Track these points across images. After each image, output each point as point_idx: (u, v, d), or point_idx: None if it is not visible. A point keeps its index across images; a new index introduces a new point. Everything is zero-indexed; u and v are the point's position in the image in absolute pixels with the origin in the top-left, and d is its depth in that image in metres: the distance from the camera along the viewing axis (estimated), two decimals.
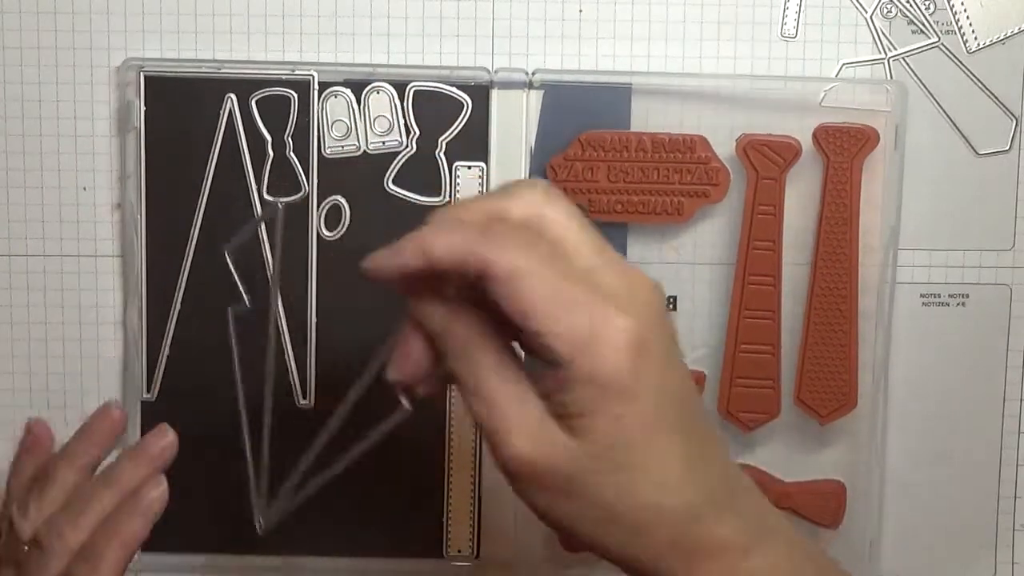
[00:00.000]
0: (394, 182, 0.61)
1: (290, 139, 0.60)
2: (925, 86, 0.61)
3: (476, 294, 0.40)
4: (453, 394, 0.61)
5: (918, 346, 0.62)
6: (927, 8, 0.61)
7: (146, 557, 0.62)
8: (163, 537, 0.62)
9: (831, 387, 0.60)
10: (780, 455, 0.62)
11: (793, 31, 0.61)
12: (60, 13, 0.60)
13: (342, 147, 0.60)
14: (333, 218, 0.61)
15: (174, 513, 0.62)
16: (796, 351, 0.61)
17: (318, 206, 0.61)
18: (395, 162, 0.60)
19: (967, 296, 0.62)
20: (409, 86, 0.60)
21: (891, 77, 0.61)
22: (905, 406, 0.62)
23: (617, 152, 0.60)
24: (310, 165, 0.60)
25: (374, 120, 0.60)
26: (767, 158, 0.60)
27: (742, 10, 0.60)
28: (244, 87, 0.60)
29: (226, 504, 0.62)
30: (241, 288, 0.49)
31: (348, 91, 0.60)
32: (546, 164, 0.60)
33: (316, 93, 0.60)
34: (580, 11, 0.61)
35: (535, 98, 0.60)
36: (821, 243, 0.60)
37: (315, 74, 0.60)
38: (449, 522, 0.62)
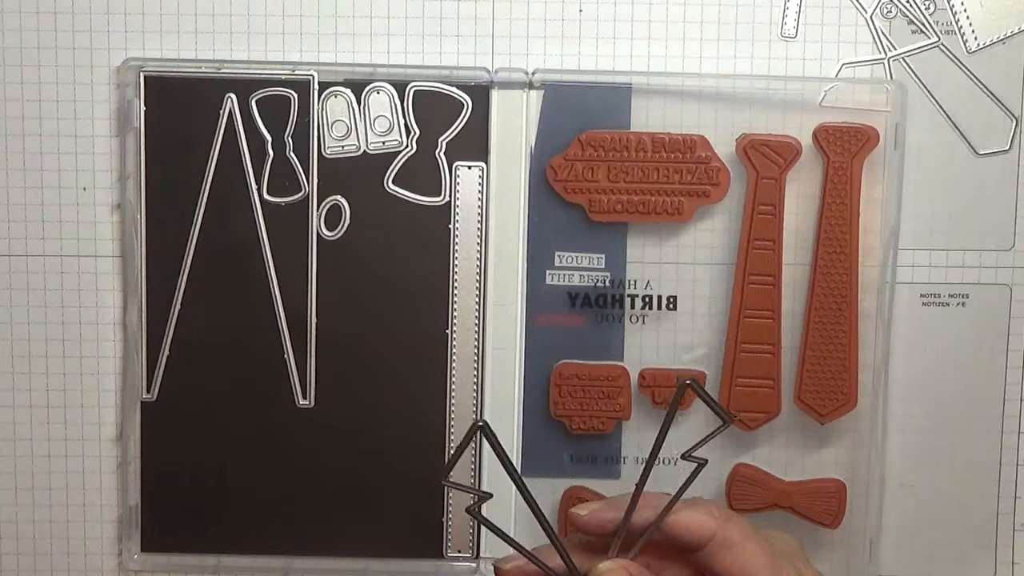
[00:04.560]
0: (394, 182, 0.61)
1: (290, 139, 0.60)
2: (925, 86, 0.61)
3: None
4: (453, 393, 0.61)
5: (918, 346, 0.62)
6: (927, 8, 0.61)
7: (146, 557, 0.62)
8: (164, 537, 0.63)
9: (831, 387, 0.61)
10: (780, 455, 0.62)
11: (793, 31, 0.61)
12: (60, 13, 0.60)
13: (342, 147, 0.60)
14: (333, 218, 0.61)
15: (175, 513, 0.63)
16: (796, 351, 0.61)
17: (318, 206, 0.61)
18: (395, 162, 0.60)
19: (967, 296, 0.62)
20: (409, 86, 0.60)
21: (891, 77, 0.61)
22: (905, 406, 0.62)
23: (617, 152, 0.60)
24: (310, 165, 0.60)
25: (374, 120, 0.60)
26: (767, 158, 0.60)
27: (742, 10, 0.60)
28: (244, 87, 0.60)
29: (227, 504, 0.62)
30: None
31: (348, 91, 0.60)
32: (546, 164, 0.60)
33: (316, 93, 0.60)
34: (580, 11, 0.61)
35: (535, 98, 0.60)
36: (821, 243, 0.60)
37: (315, 74, 0.60)
38: (449, 522, 0.62)
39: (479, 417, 0.47)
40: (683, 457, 0.48)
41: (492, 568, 0.51)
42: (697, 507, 0.48)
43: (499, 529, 0.48)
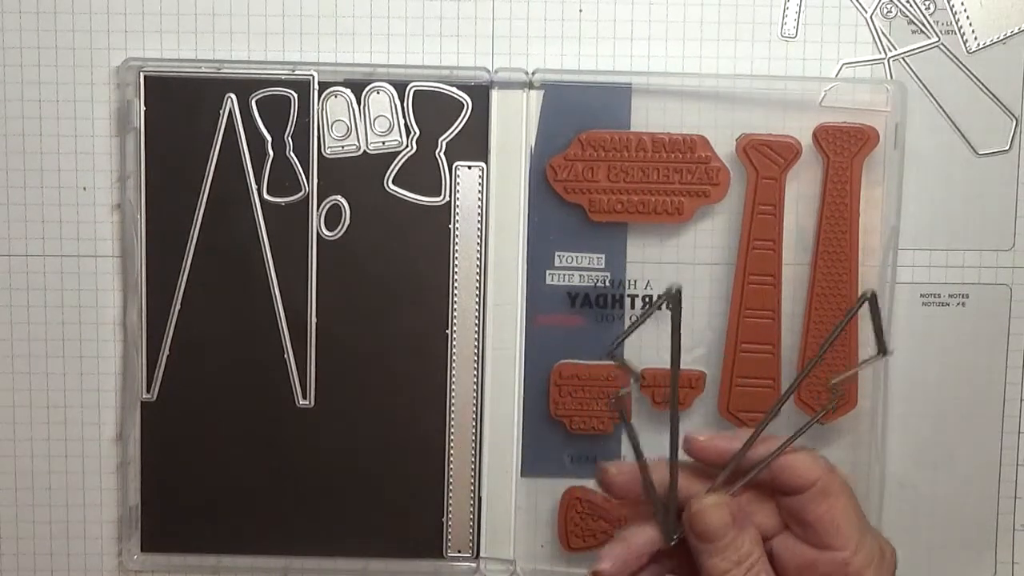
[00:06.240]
0: (394, 182, 0.61)
1: (290, 139, 0.60)
2: (925, 86, 0.61)
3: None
4: (453, 393, 0.61)
5: (918, 346, 0.62)
6: (927, 8, 0.61)
7: (146, 557, 0.62)
8: (164, 537, 0.63)
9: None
10: None
11: (793, 31, 0.61)
12: (60, 13, 0.60)
13: (342, 147, 0.60)
14: (333, 218, 0.61)
15: (175, 513, 0.63)
16: (796, 351, 0.61)
17: (318, 206, 0.61)
18: (395, 162, 0.60)
19: (967, 296, 0.62)
20: (409, 86, 0.60)
21: (891, 77, 0.61)
22: (905, 406, 0.62)
23: (617, 152, 0.60)
24: (310, 165, 0.60)
25: (374, 120, 0.60)
26: (767, 158, 0.60)
27: (742, 10, 0.60)
28: (244, 87, 0.60)
29: (227, 504, 0.62)
30: None
31: (348, 91, 0.60)
32: (546, 164, 0.60)
33: (316, 93, 0.60)
34: (580, 11, 0.61)
35: (535, 98, 0.60)
36: (821, 243, 0.60)
37: (315, 74, 0.60)
38: (449, 522, 0.62)
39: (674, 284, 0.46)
40: (828, 386, 0.48)
41: (599, 469, 0.50)
42: (805, 452, 0.48)
43: (632, 429, 0.47)
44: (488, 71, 0.60)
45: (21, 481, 0.63)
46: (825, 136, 0.59)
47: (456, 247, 0.61)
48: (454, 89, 0.60)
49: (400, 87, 0.60)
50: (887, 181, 0.60)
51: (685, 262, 0.61)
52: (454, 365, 0.61)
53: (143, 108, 0.60)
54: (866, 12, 0.61)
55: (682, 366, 0.62)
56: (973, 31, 0.61)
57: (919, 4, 0.61)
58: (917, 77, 0.61)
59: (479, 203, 0.61)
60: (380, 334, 0.61)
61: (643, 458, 0.48)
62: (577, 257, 0.61)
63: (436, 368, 0.61)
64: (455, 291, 0.61)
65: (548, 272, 0.61)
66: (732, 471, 0.48)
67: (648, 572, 0.49)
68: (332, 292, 0.61)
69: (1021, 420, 0.62)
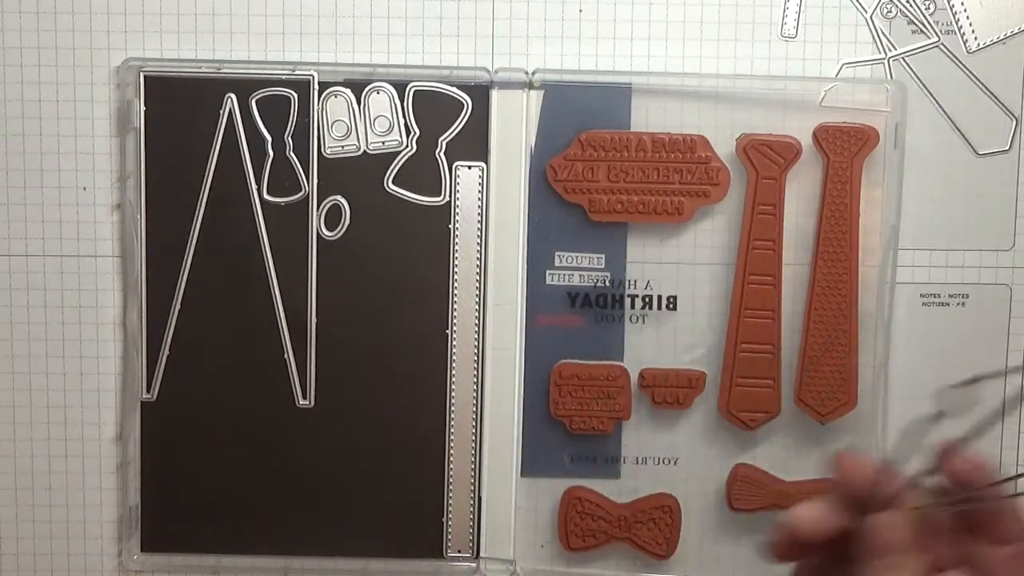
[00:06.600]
0: (394, 182, 0.61)
1: (290, 139, 0.60)
2: (925, 86, 0.61)
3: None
4: (453, 393, 0.61)
5: (918, 346, 0.62)
6: (927, 8, 0.61)
7: (146, 557, 0.62)
8: (164, 537, 0.63)
9: (831, 387, 0.61)
10: (780, 454, 0.62)
11: (793, 31, 0.61)
12: (60, 13, 0.60)
13: (342, 147, 0.60)
14: (333, 218, 0.61)
15: (175, 513, 0.63)
16: (796, 351, 0.61)
17: (318, 206, 0.61)
18: (395, 162, 0.60)
19: (967, 296, 0.62)
20: (409, 86, 0.60)
21: (891, 77, 0.61)
22: (905, 406, 0.62)
23: (617, 152, 0.60)
24: (310, 165, 0.60)
25: (374, 120, 0.60)
26: (767, 158, 0.60)
27: (742, 10, 0.60)
28: (244, 87, 0.60)
29: (227, 504, 0.62)
30: None
31: (348, 91, 0.60)
32: (546, 164, 0.60)
33: (316, 93, 0.60)
34: (580, 11, 0.61)
35: (535, 98, 0.60)
36: (821, 243, 0.60)
37: (315, 74, 0.60)
38: (449, 522, 0.62)
39: None
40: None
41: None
42: None
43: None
44: (488, 71, 0.60)
45: (21, 481, 0.63)
46: (825, 136, 0.59)
47: (456, 247, 0.61)
48: (454, 89, 0.60)
49: (400, 87, 0.60)
50: (887, 181, 0.60)
51: (685, 262, 0.61)
52: (454, 365, 0.61)
53: (143, 108, 0.60)
54: (866, 12, 0.61)
55: (682, 366, 0.62)
56: (973, 31, 0.61)
57: (919, 4, 0.61)
58: (917, 77, 0.61)
59: (479, 203, 0.61)
60: (380, 334, 0.61)
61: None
62: (577, 257, 0.61)
63: (436, 368, 0.61)
64: (455, 291, 0.61)
65: (548, 272, 0.61)
66: (942, 491, 0.46)
67: (817, 556, 0.47)
68: (332, 292, 0.61)
69: (1021, 420, 0.62)
